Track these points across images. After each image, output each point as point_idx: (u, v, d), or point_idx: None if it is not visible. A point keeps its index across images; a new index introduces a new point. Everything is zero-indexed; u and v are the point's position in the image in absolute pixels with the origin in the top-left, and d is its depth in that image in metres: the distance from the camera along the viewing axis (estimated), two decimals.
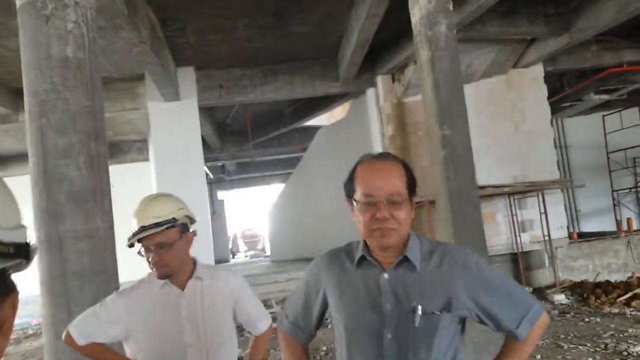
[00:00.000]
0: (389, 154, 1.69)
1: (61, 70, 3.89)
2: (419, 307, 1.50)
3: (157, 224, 2.12)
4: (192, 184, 9.14)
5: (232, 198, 24.72)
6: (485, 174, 9.62)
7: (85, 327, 2.17)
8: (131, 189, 11.70)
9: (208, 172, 16.91)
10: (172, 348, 2.17)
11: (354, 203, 1.56)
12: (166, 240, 2.13)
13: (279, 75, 10.28)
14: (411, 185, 1.57)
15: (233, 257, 22.43)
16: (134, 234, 2.13)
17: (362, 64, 9.37)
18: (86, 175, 3.80)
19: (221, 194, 21.97)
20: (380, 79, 10.35)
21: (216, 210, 19.55)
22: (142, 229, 2.12)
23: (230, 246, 22.51)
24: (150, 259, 2.14)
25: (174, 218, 2.16)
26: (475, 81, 10.23)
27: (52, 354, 3.68)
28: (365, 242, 1.62)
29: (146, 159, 13.62)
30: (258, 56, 9.70)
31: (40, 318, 11.17)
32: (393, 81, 10.38)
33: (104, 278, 3.80)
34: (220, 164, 19.08)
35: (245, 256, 23.27)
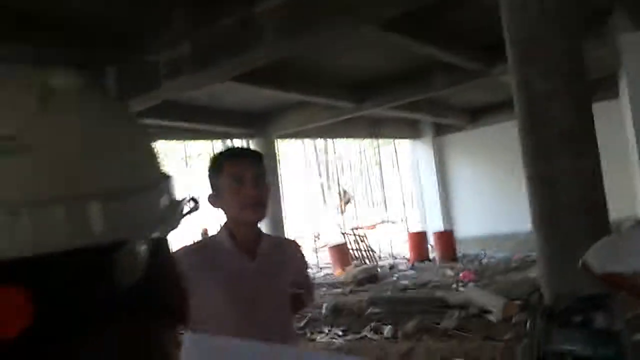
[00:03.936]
0: None
1: (537, 20, 4.07)
2: None
3: None
4: None
5: None
6: None
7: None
8: (600, 128, 11.26)
9: None
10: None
11: None
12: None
13: None
14: None
15: None
16: None
17: None
18: (571, 116, 3.97)
19: None
20: None
21: None
22: None
23: None
24: None
25: None
26: None
27: (550, 284, 4.03)
28: None
29: (614, 97, 12.90)
30: None
31: (519, 254, 12.10)
32: None
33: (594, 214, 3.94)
34: None
35: None
